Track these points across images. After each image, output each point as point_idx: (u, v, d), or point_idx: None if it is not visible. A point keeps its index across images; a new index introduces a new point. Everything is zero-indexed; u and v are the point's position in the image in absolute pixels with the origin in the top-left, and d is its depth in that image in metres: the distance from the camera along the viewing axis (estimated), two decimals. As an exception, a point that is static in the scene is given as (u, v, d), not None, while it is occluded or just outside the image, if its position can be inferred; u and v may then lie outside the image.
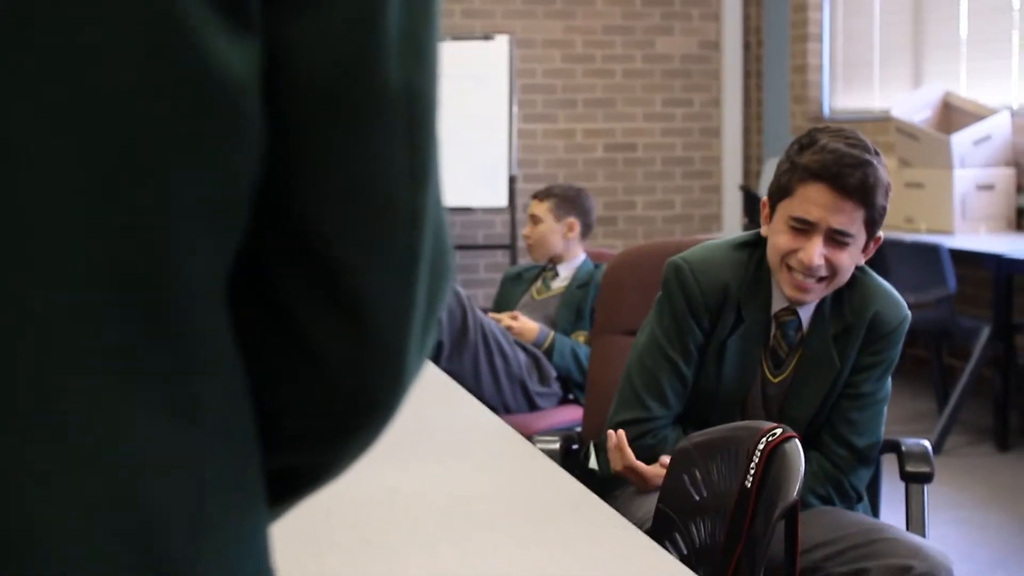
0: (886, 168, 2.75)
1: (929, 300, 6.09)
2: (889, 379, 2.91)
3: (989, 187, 6.83)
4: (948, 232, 6.71)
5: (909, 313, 2.90)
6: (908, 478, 2.95)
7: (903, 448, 2.97)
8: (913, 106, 7.35)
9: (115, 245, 0.69)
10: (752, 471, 2.20)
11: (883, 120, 8.03)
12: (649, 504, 2.48)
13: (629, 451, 2.79)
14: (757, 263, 2.86)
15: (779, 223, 2.77)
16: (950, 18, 7.77)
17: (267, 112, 0.75)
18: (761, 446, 2.21)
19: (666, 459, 2.63)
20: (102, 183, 0.68)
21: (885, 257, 6.27)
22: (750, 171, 9.98)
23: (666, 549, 2.06)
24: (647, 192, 9.81)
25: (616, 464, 2.80)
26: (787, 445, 2.20)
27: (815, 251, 2.70)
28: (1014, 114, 7.03)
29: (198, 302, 0.74)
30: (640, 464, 2.77)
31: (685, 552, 2.29)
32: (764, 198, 2.86)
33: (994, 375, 6.13)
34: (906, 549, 2.59)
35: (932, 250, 6.05)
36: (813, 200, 2.70)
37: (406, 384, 0.85)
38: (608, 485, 2.84)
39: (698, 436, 2.41)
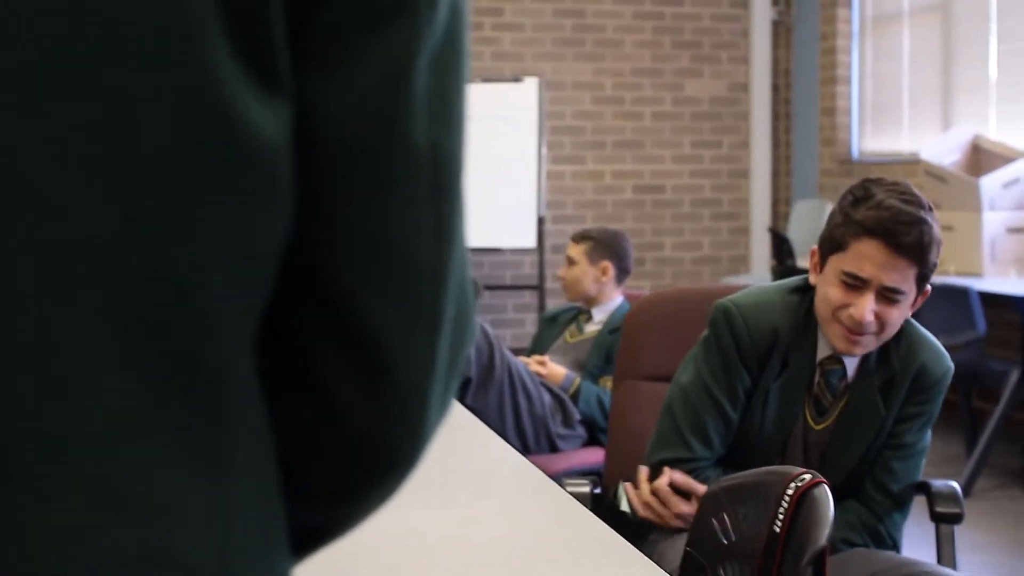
0: (938, 223, 2.71)
1: (958, 343, 6.06)
2: (930, 430, 2.90)
3: (1019, 230, 6.82)
4: (978, 275, 6.69)
5: (952, 365, 2.88)
6: (938, 519, 2.95)
7: (933, 489, 2.96)
8: (942, 149, 7.34)
9: (144, 300, 0.70)
10: (781, 516, 2.20)
11: (912, 163, 8.02)
12: (679, 548, 2.48)
13: (647, 486, 2.79)
14: (806, 310, 2.83)
15: (831, 276, 2.74)
16: (979, 61, 7.77)
17: (296, 173, 0.76)
18: (790, 491, 2.21)
19: (697, 487, 2.64)
20: (132, 238, 0.69)
21: (914, 300, 6.25)
22: (778, 213, 9.97)
23: (694, 593, 2.06)
24: (675, 234, 9.82)
25: (641, 498, 2.80)
26: (816, 491, 2.20)
27: (867, 308, 2.68)
28: (1044, 157, 7.01)
29: (227, 357, 0.75)
30: (666, 490, 2.77)
31: (713, 596, 2.29)
32: (813, 247, 2.83)
33: (1024, 419, 6.10)
34: None
35: (961, 293, 6.04)
36: (867, 257, 2.67)
37: (426, 441, 0.86)
38: (640, 529, 2.84)
39: (727, 480, 2.40)
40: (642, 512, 2.81)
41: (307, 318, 0.79)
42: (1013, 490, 6.10)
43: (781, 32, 9.92)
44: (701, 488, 2.69)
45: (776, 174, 10.02)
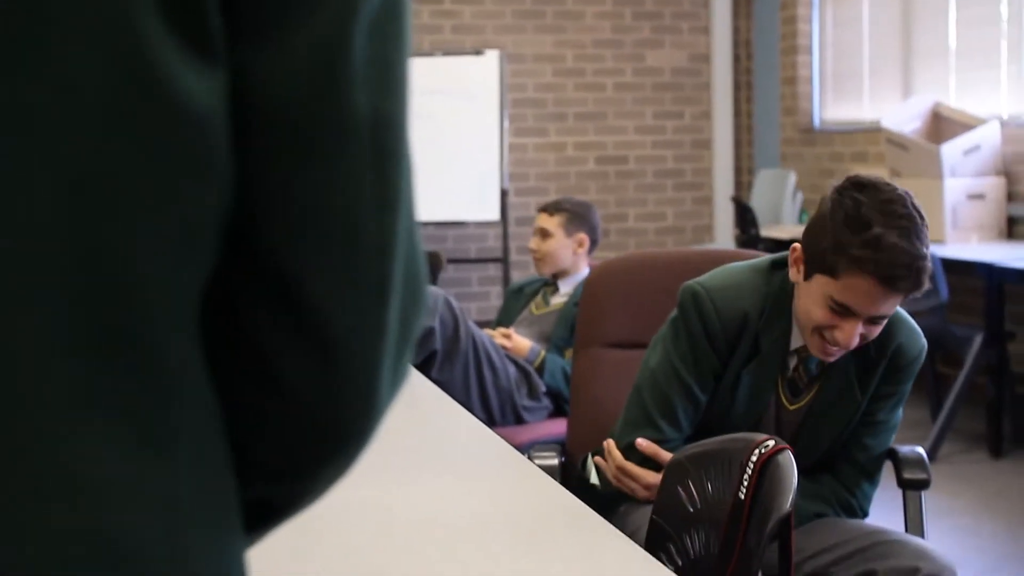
0: (929, 241, 2.60)
1: (921, 309, 6.10)
2: (902, 407, 2.92)
3: (979, 196, 6.86)
4: (939, 241, 6.73)
5: (926, 343, 2.87)
6: (905, 485, 2.97)
7: (899, 456, 2.98)
8: (903, 117, 7.37)
9: (80, 276, 0.69)
10: (746, 483, 2.21)
11: (873, 131, 8.05)
12: (644, 516, 2.49)
13: (618, 454, 2.80)
14: (777, 291, 2.79)
15: (817, 295, 2.65)
16: (939, 29, 7.80)
17: (235, 143, 0.75)
18: (754, 458, 2.22)
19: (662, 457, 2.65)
20: (66, 213, 0.68)
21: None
22: (741, 182, 10.00)
23: (660, 561, 2.07)
24: (639, 204, 9.83)
25: (610, 471, 2.81)
26: (779, 457, 2.21)
27: (853, 333, 2.63)
28: (1003, 124, 7.05)
29: (168, 334, 0.73)
30: (632, 466, 2.78)
31: (680, 563, 2.30)
32: (796, 244, 2.73)
33: (987, 382, 6.15)
34: (912, 551, 2.60)
35: (923, 260, 6.06)
36: (860, 291, 2.58)
37: (378, 414, 0.84)
38: (609, 501, 2.85)
39: (692, 448, 2.42)
40: (614, 483, 2.82)
41: (252, 293, 0.78)
42: (978, 454, 6.15)
43: (741, 2, 9.93)
44: (668, 456, 2.69)
45: (738, 144, 10.04)
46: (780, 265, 2.82)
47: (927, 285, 2.61)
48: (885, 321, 2.66)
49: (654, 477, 2.72)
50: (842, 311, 2.61)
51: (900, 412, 2.93)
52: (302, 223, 0.76)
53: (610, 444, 2.83)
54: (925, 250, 2.55)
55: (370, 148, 0.78)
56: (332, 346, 0.79)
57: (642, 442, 2.78)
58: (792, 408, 2.83)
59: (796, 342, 2.79)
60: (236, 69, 0.74)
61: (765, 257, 2.91)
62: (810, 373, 2.81)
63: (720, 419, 2.82)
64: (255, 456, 0.83)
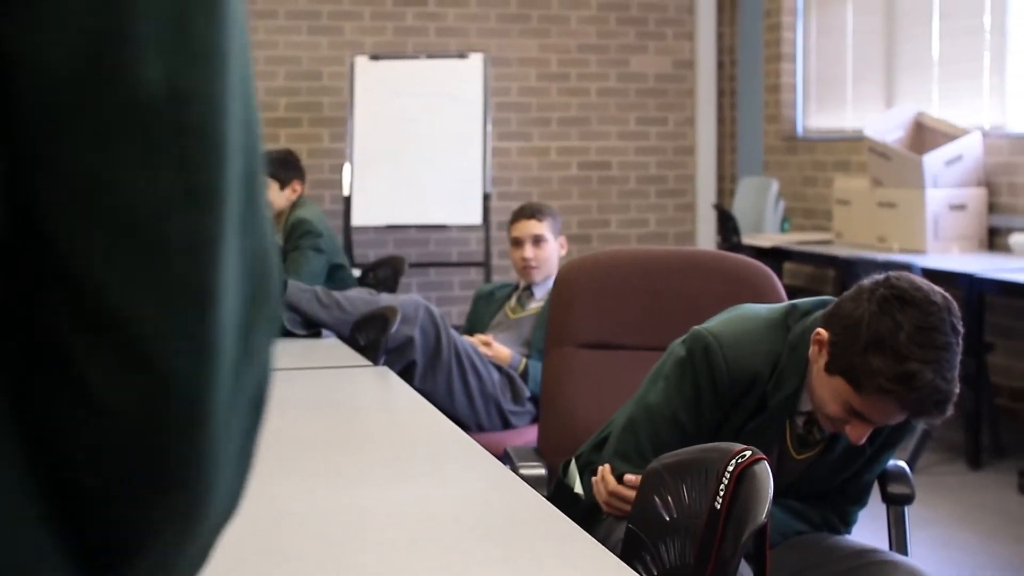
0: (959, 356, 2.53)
1: (901, 319, 6.11)
2: None
3: (961, 207, 6.87)
4: (920, 251, 6.75)
5: None
6: (890, 500, 2.97)
7: (885, 471, 2.98)
8: (885, 126, 7.39)
9: None
10: (722, 492, 2.21)
11: (856, 140, 8.07)
12: (620, 526, 2.49)
13: (612, 480, 2.78)
14: (791, 351, 2.71)
15: (835, 393, 2.58)
16: (922, 39, 7.82)
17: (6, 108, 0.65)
18: (731, 468, 2.22)
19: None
20: None
21: (858, 276, 6.28)
22: (724, 189, 10.01)
23: (636, 570, 2.07)
24: (621, 210, 9.83)
25: (601, 496, 2.78)
26: (756, 467, 2.21)
27: (865, 434, 2.61)
28: (985, 135, 7.07)
29: None
30: (625, 491, 2.75)
31: (655, 573, 2.30)
32: (822, 331, 2.62)
33: (966, 394, 6.15)
34: (904, 573, 2.60)
35: (904, 269, 6.06)
36: (882, 410, 2.54)
37: (213, 447, 0.72)
38: (591, 510, 2.83)
39: (668, 457, 2.41)
40: (605, 508, 2.80)
41: (51, 305, 0.66)
42: (957, 464, 6.16)
43: (726, 8, 9.94)
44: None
45: (721, 151, 10.05)
46: (796, 317, 2.75)
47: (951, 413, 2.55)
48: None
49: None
50: (858, 416, 2.57)
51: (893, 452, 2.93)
52: (92, 218, 0.65)
53: (605, 470, 2.78)
54: (956, 381, 2.48)
55: (172, 131, 0.66)
56: (144, 364, 0.67)
57: (631, 478, 2.73)
58: (799, 458, 2.79)
59: (805, 405, 2.72)
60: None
61: (780, 307, 2.83)
62: (823, 434, 2.75)
63: None
64: (77, 486, 0.71)
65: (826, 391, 2.60)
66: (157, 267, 0.66)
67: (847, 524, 2.88)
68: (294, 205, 5.97)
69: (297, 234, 5.73)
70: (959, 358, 2.50)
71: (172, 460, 0.70)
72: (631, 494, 2.73)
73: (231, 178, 0.68)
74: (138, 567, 0.75)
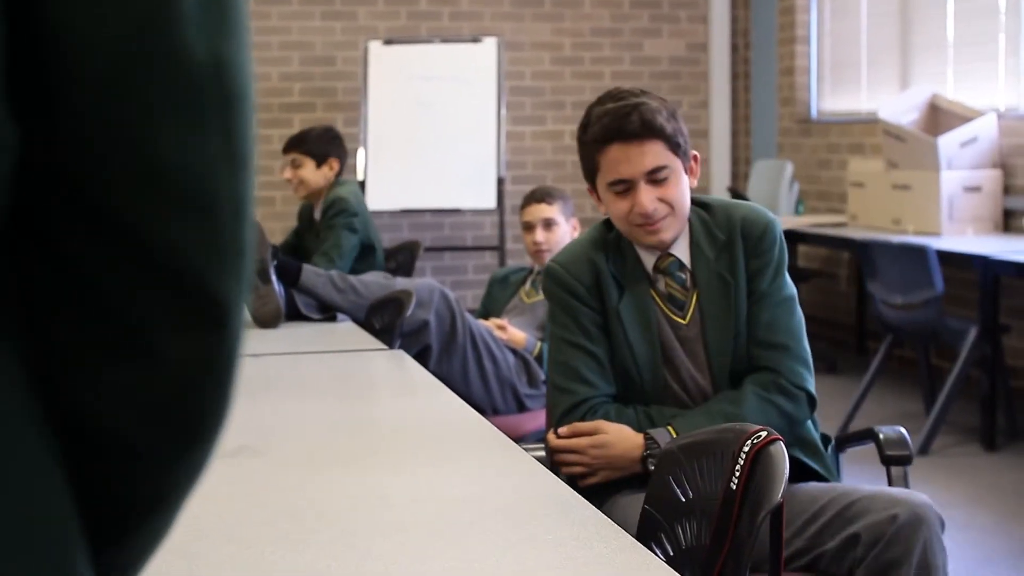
0: (661, 99, 2.93)
1: (916, 301, 6.10)
2: (787, 277, 2.98)
3: (976, 189, 6.86)
4: (935, 234, 6.73)
5: (775, 217, 2.99)
6: (888, 462, 3.00)
7: (881, 436, 3.01)
8: (900, 108, 7.37)
9: None
10: (737, 473, 2.22)
11: (870, 122, 8.05)
12: (635, 505, 2.50)
13: (553, 441, 2.89)
14: (616, 237, 2.99)
15: (606, 195, 2.92)
16: (937, 20, 7.80)
17: (57, 90, 0.67)
18: (746, 448, 2.23)
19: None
20: None
21: (873, 258, 6.29)
22: (738, 173, 10.00)
23: (652, 551, 2.08)
24: (636, 194, 9.82)
25: (555, 443, 2.88)
26: (772, 448, 2.21)
27: (645, 199, 2.85)
28: (1000, 116, 7.05)
29: None
30: (560, 442, 2.87)
31: (671, 553, 2.31)
32: (588, 186, 3.01)
33: (981, 376, 6.15)
34: (885, 500, 2.62)
35: (919, 251, 6.07)
36: (616, 160, 2.87)
37: (232, 399, 0.78)
38: (599, 490, 2.86)
39: (684, 439, 2.42)
40: (563, 470, 2.85)
41: (119, 271, 0.70)
42: (971, 447, 6.15)
43: (740, -9, 9.92)
44: (586, 426, 2.85)
45: (735, 134, 10.04)
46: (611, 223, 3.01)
47: (666, 123, 2.86)
48: (666, 178, 2.86)
49: (585, 440, 2.85)
50: (623, 187, 2.87)
51: (789, 285, 2.98)
52: (153, 189, 0.69)
53: (549, 438, 2.92)
54: (646, 99, 2.89)
55: (215, 95, 0.70)
56: (213, 312, 0.73)
57: (552, 438, 2.91)
58: (685, 322, 2.95)
59: (650, 263, 2.97)
60: (43, 10, 0.66)
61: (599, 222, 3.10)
62: (680, 280, 2.95)
63: (629, 364, 2.93)
64: (103, 424, 0.74)
65: (609, 208, 2.94)
66: (214, 227, 0.71)
67: (800, 386, 2.89)
68: (333, 184, 5.92)
69: (332, 212, 5.70)
70: (652, 97, 2.92)
71: (213, 408, 0.76)
72: (564, 443, 2.87)
73: (253, 142, 0.74)
74: (143, 533, 0.79)
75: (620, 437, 2.85)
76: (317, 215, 5.87)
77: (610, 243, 2.99)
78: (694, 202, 2.97)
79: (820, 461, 2.93)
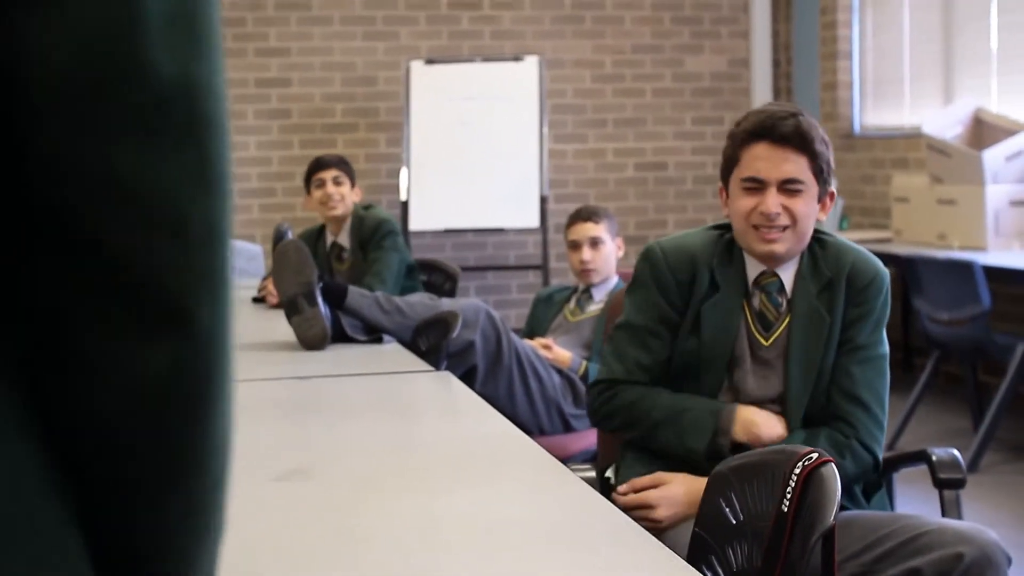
0: (819, 125, 2.94)
1: (963, 317, 6.06)
2: (884, 335, 2.97)
3: (1022, 203, 6.81)
4: (981, 248, 6.69)
5: (886, 269, 2.99)
6: (941, 485, 2.97)
7: (934, 458, 2.99)
8: (944, 122, 7.33)
9: None
10: (789, 495, 2.20)
11: (914, 137, 8.01)
12: (687, 529, 2.49)
13: (623, 499, 2.90)
14: (728, 242, 3.01)
15: (736, 191, 2.95)
16: (980, 33, 7.76)
17: (19, 108, 0.66)
18: (798, 470, 2.21)
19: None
20: None
21: (918, 274, 6.25)
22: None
23: (703, 574, 2.07)
24: (678, 211, 9.81)
25: (623, 501, 2.90)
26: (824, 469, 2.20)
27: (772, 201, 2.87)
28: (1046, 129, 7.00)
29: None
30: (635, 498, 2.91)
31: (722, 576, 2.30)
32: (719, 184, 3.04)
33: (1029, 392, 6.10)
34: (953, 537, 2.58)
35: (966, 267, 6.03)
36: (758, 157, 2.90)
37: (228, 427, 0.76)
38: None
39: (734, 460, 2.41)
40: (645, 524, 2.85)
41: (90, 292, 0.69)
42: (1019, 464, 6.11)
43: (781, 6, 9.90)
44: (645, 480, 2.90)
45: (778, 150, 10.00)
46: (730, 226, 3.04)
47: (820, 147, 2.89)
48: (800, 192, 2.88)
49: (655, 495, 2.88)
50: (755, 186, 2.89)
51: (884, 343, 2.97)
52: (124, 212, 0.68)
53: (616, 497, 2.94)
54: (807, 115, 2.91)
55: (187, 121, 0.69)
56: (185, 325, 0.71)
57: (624, 489, 2.95)
58: (768, 344, 2.95)
59: (752, 275, 2.98)
60: (8, 29, 0.65)
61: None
62: (775, 302, 2.96)
63: (690, 361, 2.96)
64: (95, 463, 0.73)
65: (733, 205, 2.95)
66: (184, 247, 0.69)
67: (869, 448, 2.90)
68: (365, 207, 5.96)
69: (381, 234, 5.73)
70: (811, 118, 2.93)
71: (194, 430, 0.74)
72: (631, 500, 2.89)
73: (228, 165, 0.72)
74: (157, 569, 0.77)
75: (679, 479, 2.88)
76: (343, 239, 5.88)
77: (721, 245, 3.01)
78: (813, 235, 2.98)
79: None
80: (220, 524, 0.79)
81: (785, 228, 2.88)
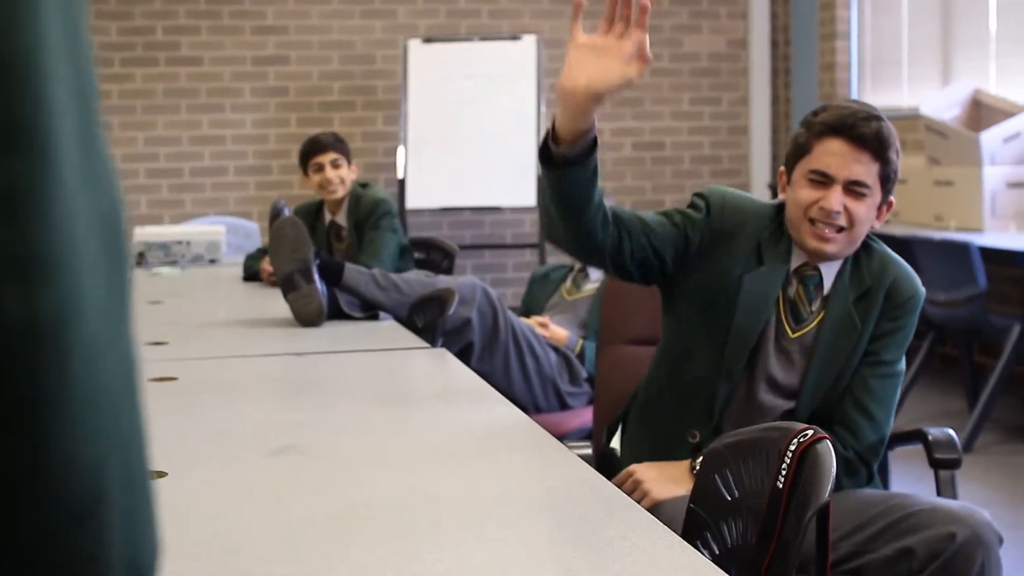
0: (896, 134, 2.90)
1: (959, 298, 6.07)
2: (904, 357, 2.97)
3: (1019, 184, 6.81)
4: (978, 230, 6.70)
5: (924, 290, 2.98)
6: (937, 465, 2.99)
7: (929, 438, 3.00)
8: (942, 104, 7.33)
9: None
10: (784, 472, 2.21)
11: (912, 118, 8.01)
12: (681, 505, 2.49)
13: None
14: (780, 222, 2.98)
15: (799, 180, 2.91)
16: (979, 15, 7.75)
17: None
18: (793, 447, 2.22)
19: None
20: None
21: (915, 255, 6.25)
22: (778, 169, 9.96)
23: (698, 549, 2.07)
24: (675, 191, 9.81)
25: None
26: (819, 446, 2.20)
27: (835, 198, 2.84)
28: (1044, 111, 7.00)
29: None
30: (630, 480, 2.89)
31: (717, 552, 2.30)
32: (782, 168, 3.01)
33: (1025, 373, 6.11)
34: (944, 516, 2.59)
35: (962, 248, 6.04)
36: (831, 152, 2.86)
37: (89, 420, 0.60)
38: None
39: (729, 437, 2.41)
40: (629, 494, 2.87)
41: None
42: (1014, 444, 6.12)
43: (780, -13, 9.89)
44: (618, 478, 2.87)
45: (775, 130, 10.00)
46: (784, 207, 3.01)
47: (894, 156, 2.88)
48: (863, 195, 2.85)
49: (630, 482, 2.87)
50: (821, 180, 2.86)
51: (903, 362, 2.98)
52: None
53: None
54: (887, 121, 2.87)
55: None
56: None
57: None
58: (794, 336, 2.94)
59: (796, 262, 2.95)
60: None
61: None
62: (810, 295, 2.94)
63: (721, 329, 2.93)
64: None
65: (794, 192, 2.92)
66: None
67: (867, 464, 2.90)
68: (362, 185, 5.93)
69: (378, 214, 5.70)
70: (893, 130, 2.89)
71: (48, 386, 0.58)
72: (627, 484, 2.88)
73: (57, 121, 0.59)
74: None
75: (646, 463, 2.91)
76: (340, 219, 5.84)
77: (773, 223, 2.98)
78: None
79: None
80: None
81: (841, 229, 2.86)
